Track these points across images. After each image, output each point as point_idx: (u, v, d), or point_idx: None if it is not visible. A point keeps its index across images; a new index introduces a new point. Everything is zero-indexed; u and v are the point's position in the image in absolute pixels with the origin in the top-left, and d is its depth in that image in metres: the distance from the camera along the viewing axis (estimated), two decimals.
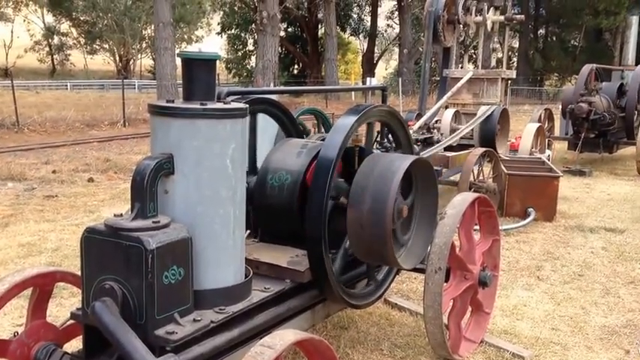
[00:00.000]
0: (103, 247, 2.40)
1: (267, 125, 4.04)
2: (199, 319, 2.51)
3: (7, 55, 41.32)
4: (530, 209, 7.33)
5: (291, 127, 3.92)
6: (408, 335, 4.11)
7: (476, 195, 3.85)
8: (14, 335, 2.79)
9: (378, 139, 4.44)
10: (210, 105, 2.60)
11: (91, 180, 10.08)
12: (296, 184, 3.29)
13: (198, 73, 2.65)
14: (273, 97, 4.66)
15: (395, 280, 4.76)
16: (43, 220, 7.47)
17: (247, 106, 2.77)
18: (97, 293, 2.41)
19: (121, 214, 2.49)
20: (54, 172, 10.75)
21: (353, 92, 24.41)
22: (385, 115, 3.51)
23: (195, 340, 2.46)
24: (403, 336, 4.11)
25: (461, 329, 3.85)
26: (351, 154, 3.56)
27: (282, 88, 5.54)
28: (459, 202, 3.70)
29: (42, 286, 2.85)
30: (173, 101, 2.65)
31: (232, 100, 3.11)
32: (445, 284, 3.72)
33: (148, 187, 2.46)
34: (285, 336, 2.33)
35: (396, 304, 4.62)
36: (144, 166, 2.48)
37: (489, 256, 4.17)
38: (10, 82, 21.09)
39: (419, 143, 7.52)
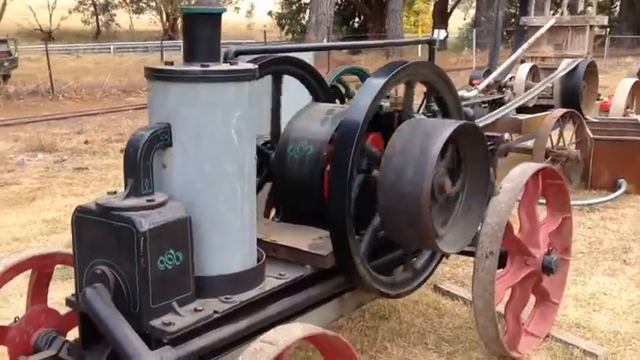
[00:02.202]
0: (95, 229, 2.43)
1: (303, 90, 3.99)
2: (201, 308, 2.52)
3: (50, 16, 42.39)
4: (621, 180, 7.03)
5: (320, 91, 3.85)
6: (459, 328, 4.03)
7: (540, 165, 3.70)
8: (15, 321, 2.89)
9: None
10: (212, 66, 2.56)
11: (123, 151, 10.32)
12: (319, 156, 3.24)
13: (199, 30, 2.61)
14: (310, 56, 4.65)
15: (446, 264, 4.70)
16: (71, 194, 7.73)
17: (256, 67, 2.72)
18: (89, 278, 2.44)
19: (115, 192, 2.51)
20: (86, 142, 11.07)
21: (420, 47, 23.81)
22: (426, 74, 3.39)
23: (195, 332, 2.47)
24: (453, 328, 4.03)
25: (520, 322, 3.74)
26: (390, 121, 3.48)
27: (303, 45, 5.36)
28: (517, 175, 3.56)
29: (41, 269, 2.92)
30: (172, 63, 2.63)
31: (248, 61, 3.09)
32: (501, 271, 3.62)
33: (141, 161, 2.46)
34: (291, 331, 2.30)
35: (447, 291, 4.54)
36: (137, 137, 2.48)
37: (558, 237, 4.03)
38: (50, 46, 21.73)
39: (485, 105, 7.32)
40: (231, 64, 2.69)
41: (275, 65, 3.60)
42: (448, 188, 3.13)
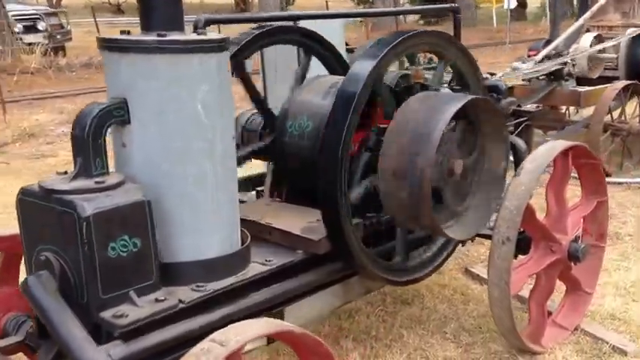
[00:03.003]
0: (38, 212, 2.18)
1: None
2: (163, 298, 2.23)
3: None
4: None
5: (335, 64, 3.49)
6: (483, 316, 3.62)
7: (569, 143, 3.23)
8: None
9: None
10: (171, 36, 2.26)
11: None
12: (318, 132, 2.89)
13: None
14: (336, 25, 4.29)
15: (483, 244, 4.27)
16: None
17: (226, 37, 2.40)
18: (36, 265, 2.21)
19: (66, 172, 2.26)
20: None
21: (494, 17, 22.75)
22: (438, 44, 2.96)
23: (154, 325, 2.19)
24: (477, 317, 3.63)
25: (545, 313, 3.32)
26: (408, 94, 3.11)
27: (289, 13, 4.87)
28: (541, 154, 3.11)
29: (9, 249, 2.71)
30: (128, 32, 2.34)
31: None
32: (523, 257, 3.22)
33: (90, 139, 2.17)
34: (247, 328, 2.00)
35: (478, 275, 4.13)
36: (85, 113, 2.20)
37: (593, 221, 3.56)
38: (121, 18, 21.82)
39: (542, 77, 6.75)
40: (199, 33, 2.38)
41: (279, 35, 3.28)
42: (459, 170, 2.74)
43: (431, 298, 3.87)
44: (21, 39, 16.34)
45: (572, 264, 3.28)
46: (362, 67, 2.65)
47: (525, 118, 3.88)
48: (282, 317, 2.66)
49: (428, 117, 2.58)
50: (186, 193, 2.33)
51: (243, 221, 2.88)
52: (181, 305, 2.26)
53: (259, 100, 3.27)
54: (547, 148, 3.15)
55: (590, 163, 3.40)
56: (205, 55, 2.28)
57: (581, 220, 3.45)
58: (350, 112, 2.55)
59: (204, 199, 2.36)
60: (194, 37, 2.32)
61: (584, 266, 3.51)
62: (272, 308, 2.58)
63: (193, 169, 2.32)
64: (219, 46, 2.34)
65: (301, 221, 2.85)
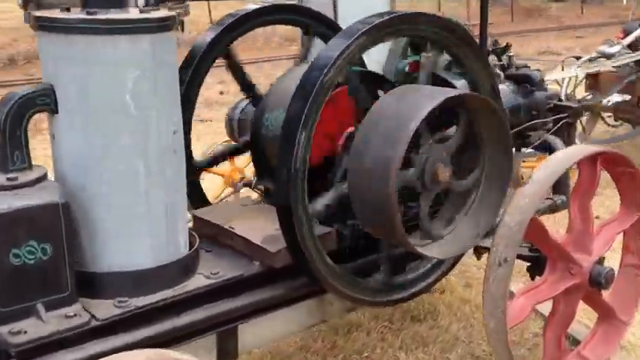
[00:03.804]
0: None
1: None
2: (72, 314, 2.00)
3: None
4: None
5: None
6: None
7: (597, 148, 2.78)
8: None
9: None
10: (101, 15, 2.01)
11: None
12: None
13: None
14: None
15: None
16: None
17: (170, 15, 2.13)
18: None
19: None
20: (221, 93, 10.77)
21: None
22: (432, 30, 2.55)
23: (63, 344, 1.98)
24: None
25: (563, 345, 2.89)
26: None
27: None
28: (557, 162, 2.68)
29: None
30: (69, 9, 2.11)
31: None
32: (536, 280, 2.81)
33: (7, 130, 1.97)
34: None
35: (512, 292, 3.69)
36: (5, 100, 2.00)
37: (635, 238, 3.09)
38: None
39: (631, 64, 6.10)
40: (141, 11, 2.12)
41: (272, 15, 3.00)
42: (444, 177, 2.38)
43: (447, 315, 3.50)
44: None
45: (597, 290, 2.83)
46: (326, 54, 2.32)
47: (565, 115, 3.41)
48: (235, 336, 2.40)
49: (400, 114, 2.24)
50: (112, 193, 2.09)
51: (207, 224, 2.66)
52: (94, 323, 2.03)
53: (249, 88, 3.01)
54: (566, 154, 2.72)
55: (628, 171, 2.93)
56: (135, 37, 2.02)
57: (615, 237, 2.98)
58: (306, 108, 2.22)
59: (133, 201, 2.11)
60: (124, 15, 2.06)
61: (619, 291, 3.06)
62: (212, 328, 2.30)
63: (121, 166, 2.08)
64: (156, 26, 2.08)
65: (270, 227, 2.54)
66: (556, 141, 3.37)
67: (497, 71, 3.35)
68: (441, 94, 2.28)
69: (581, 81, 6.71)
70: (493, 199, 2.53)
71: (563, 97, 6.14)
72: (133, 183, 2.10)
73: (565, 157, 2.68)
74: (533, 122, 3.35)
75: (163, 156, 2.15)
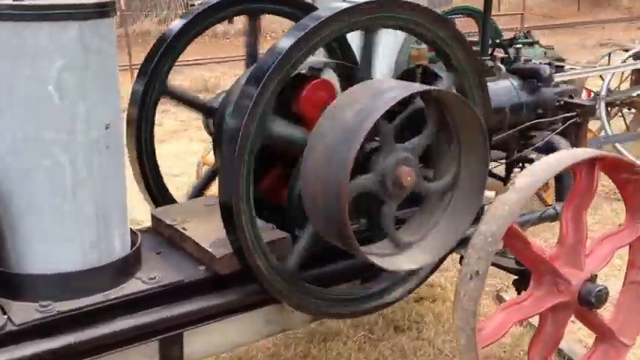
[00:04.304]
0: None
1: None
2: None
3: None
4: None
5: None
6: (487, 358, 3.00)
7: (595, 153, 2.52)
8: None
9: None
10: (27, 1, 1.89)
11: None
12: None
13: None
14: None
15: None
16: (200, 139, 7.45)
17: (105, 1, 1.99)
18: None
19: None
20: None
21: None
22: (407, 18, 2.33)
23: None
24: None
25: None
26: (410, 79, 2.69)
27: None
28: (545, 166, 2.43)
29: None
30: None
31: None
32: (520, 295, 2.59)
33: None
34: None
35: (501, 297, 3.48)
36: None
37: (638, 255, 2.82)
38: None
39: None
40: None
41: (249, 3, 2.83)
42: (408, 182, 2.18)
43: (434, 325, 3.29)
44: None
45: (587, 310, 2.58)
46: (286, 40, 2.13)
47: (575, 114, 3.14)
48: (180, 344, 2.26)
49: (357, 111, 2.05)
50: (35, 191, 1.97)
51: (161, 225, 2.53)
52: (10, 327, 1.91)
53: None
54: (557, 158, 2.46)
55: (634, 179, 2.66)
56: (59, 24, 1.89)
57: (615, 252, 2.72)
58: (251, 103, 2.05)
59: (59, 199, 1.99)
60: (52, 1, 1.93)
61: (623, 310, 2.81)
62: (155, 334, 2.16)
63: (45, 162, 1.96)
64: (88, 12, 1.94)
65: (220, 229, 2.38)
66: (561, 142, 3.11)
67: (499, 65, 3.09)
68: (409, 89, 2.08)
69: (627, 77, 6.40)
70: (468, 205, 2.33)
71: (604, 93, 5.86)
72: (59, 180, 1.98)
73: (555, 161, 2.43)
74: (534, 122, 3.09)
75: (92, 151, 2.02)
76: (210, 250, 2.27)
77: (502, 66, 3.10)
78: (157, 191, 2.83)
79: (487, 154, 2.29)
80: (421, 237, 2.35)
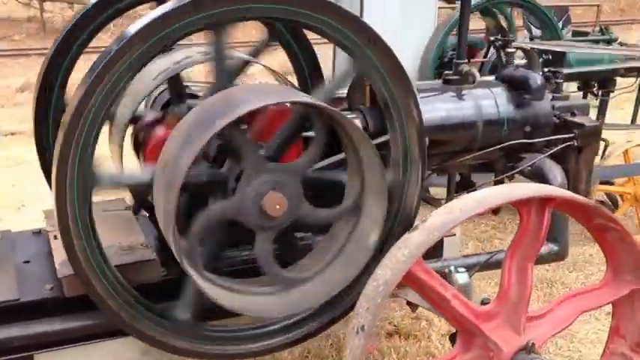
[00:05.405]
0: None
1: None
2: None
3: None
4: None
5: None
6: None
7: (549, 190, 2.03)
8: None
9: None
10: None
11: None
12: None
13: None
14: None
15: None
16: None
17: None
18: None
19: None
20: None
21: None
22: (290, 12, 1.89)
23: None
24: None
25: None
26: None
27: None
28: (468, 202, 1.96)
29: None
30: None
31: None
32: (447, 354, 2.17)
33: None
34: None
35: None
36: None
37: (628, 318, 2.30)
38: None
39: None
40: None
41: None
42: (272, 210, 1.82)
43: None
44: None
45: None
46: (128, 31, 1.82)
47: (570, 136, 2.60)
48: None
49: (200, 121, 1.72)
50: None
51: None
52: None
53: None
54: (489, 194, 2.00)
55: (607, 225, 2.14)
56: None
57: (580, 313, 2.21)
58: (88, 85, 1.75)
59: None
60: None
61: None
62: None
63: None
64: None
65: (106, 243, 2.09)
66: (551, 169, 2.60)
67: (472, 70, 2.60)
68: (259, 100, 1.72)
69: None
70: (366, 237, 1.94)
71: None
72: None
73: (482, 198, 1.97)
74: (515, 142, 2.59)
75: None
76: (57, 267, 2.01)
77: (476, 72, 2.59)
78: None
79: (383, 180, 1.88)
80: (309, 275, 1.98)
